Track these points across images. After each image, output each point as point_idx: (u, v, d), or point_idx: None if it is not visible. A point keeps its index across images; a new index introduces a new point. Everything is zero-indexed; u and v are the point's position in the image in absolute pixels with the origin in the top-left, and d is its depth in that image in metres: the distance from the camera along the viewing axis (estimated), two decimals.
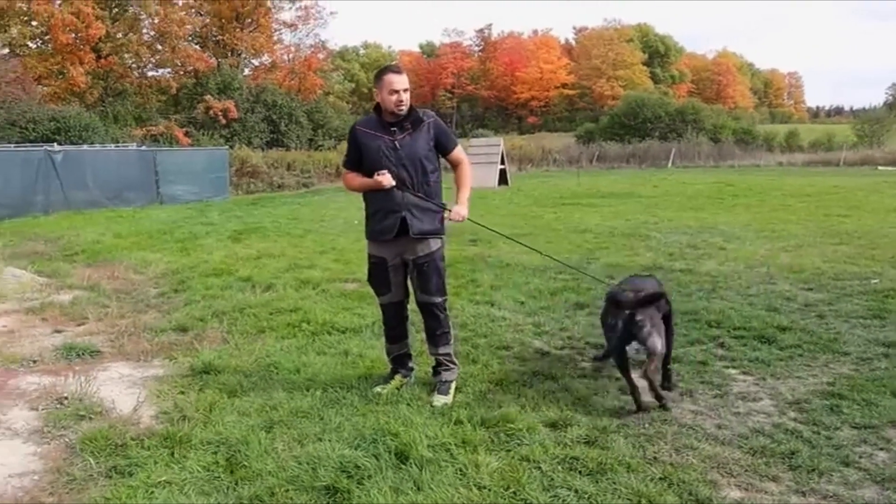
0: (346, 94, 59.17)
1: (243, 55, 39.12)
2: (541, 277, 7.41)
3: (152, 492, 3.01)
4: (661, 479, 2.99)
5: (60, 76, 28.96)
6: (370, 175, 3.95)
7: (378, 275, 4.12)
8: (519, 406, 3.77)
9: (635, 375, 3.91)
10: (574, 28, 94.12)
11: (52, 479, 3.22)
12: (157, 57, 33.29)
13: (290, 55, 41.92)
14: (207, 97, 31.73)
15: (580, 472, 3.05)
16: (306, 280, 7.52)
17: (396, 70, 3.98)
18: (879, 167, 33.73)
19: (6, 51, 28.05)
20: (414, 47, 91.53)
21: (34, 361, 5.10)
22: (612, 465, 3.07)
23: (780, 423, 3.55)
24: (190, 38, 36.01)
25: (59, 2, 28.71)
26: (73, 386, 4.38)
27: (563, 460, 3.13)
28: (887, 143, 44.06)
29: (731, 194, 18.42)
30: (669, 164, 39.27)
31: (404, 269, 4.10)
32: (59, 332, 5.98)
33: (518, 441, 3.33)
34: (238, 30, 37.34)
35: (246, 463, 3.19)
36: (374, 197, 4.02)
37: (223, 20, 36.70)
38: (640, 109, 46.63)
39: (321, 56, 43.76)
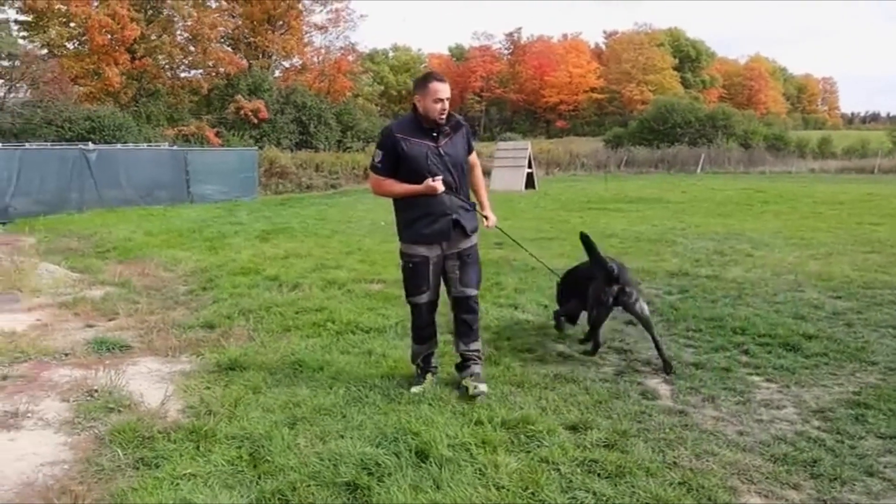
0: (374, 96, 59.53)
1: (274, 57, 39.56)
2: None
3: (178, 484, 3.08)
4: (680, 483, 2.98)
5: (96, 76, 29.55)
6: (410, 180, 4.01)
7: (420, 273, 4.14)
8: (539, 408, 3.79)
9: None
10: (604, 32, 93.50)
11: (82, 468, 3.31)
12: (190, 58, 33.80)
13: (320, 57, 42.29)
14: (238, 97, 32.13)
15: (599, 474, 3.05)
16: (332, 280, 7.59)
17: (441, 79, 4.03)
18: None
19: (45, 51, 28.72)
20: (443, 50, 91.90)
21: (66, 354, 5.22)
22: (631, 469, 3.07)
23: (804, 431, 3.52)
24: (222, 40, 36.52)
25: (96, 3, 29.33)
26: (104, 379, 4.50)
27: (582, 463, 3.14)
28: None
29: (760, 201, 18.17)
30: (699, 170, 38.81)
31: (442, 267, 4.17)
32: (90, 326, 6.13)
33: (538, 443, 3.35)
34: (269, 32, 37.78)
35: (269, 458, 3.25)
36: (420, 201, 4.05)
37: (255, 22, 37.17)
38: (670, 114, 46.10)
39: (351, 58, 44.08)
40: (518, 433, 3.45)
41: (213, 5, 35.92)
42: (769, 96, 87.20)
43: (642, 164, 41.15)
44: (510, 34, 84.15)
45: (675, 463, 3.16)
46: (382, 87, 67.50)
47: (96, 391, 4.35)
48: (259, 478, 3.10)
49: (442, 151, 4.04)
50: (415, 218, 4.09)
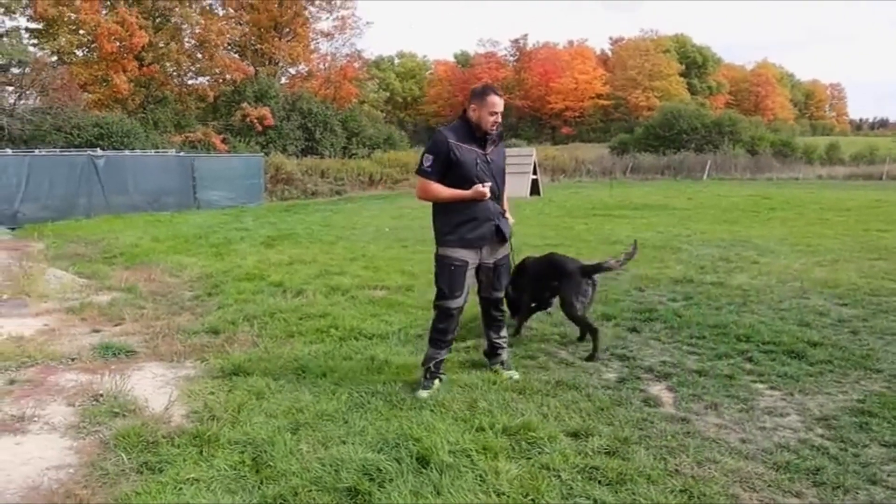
0: (380, 102, 59.65)
1: (280, 64, 39.75)
2: None
3: (180, 488, 3.10)
4: (681, 491, 2.98)
5: (104, 83, 29.76)
6: (458, 185, 4.18)
7: (458, 277, 4.26)
8: (541, 415, 3.79)
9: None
10: (610, 38, 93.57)
11: (86, 472, 3.33)
12: (197, 65, 34.00)
13: (326, 64, 42.47)
14: (244, 105, 32.29)
15: (600, 481, 3.05)
16: (336, 286, 7.61)
17: (499, 94, 4.25)
18: None
19: (54, 58, 28.93)
20: (449, 57, 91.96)
21: (72, 359, 5.25)
22: (632, 476, 3.07)
23: (807, 439, 3.51)
24: (229, 47, 36.73)
25: (105, 11, 29.55)
26: (109, 384, 4.52)
27: (583, 469, 3.14)
28: None
29: (767, 207, 18.14)
30: (705, 177, 38.79)
31: (476, 272, 4.37)
32: (97, 331, 6.16)
33: (539, 449, 3.35)
34: (276, 39, 37.99)
35: (271, 463, 3.27)
36: (468, 206, 4.21)
37: (262, 29, 37.39)
38: (676, 121, 46.13)
39: (357, 65, 44.24)
40: (519, 440, 3.45)
41: (221, 13, 36.15)
42: (776, 102, 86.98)
43: (648, 171, 41.16)
44: (516, 41, 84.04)
45: (676, 470, 3.16)
46: (388, 94, 67.63)
47: (102, 396, 4.38)
48: (261, 483, 3.12)
49: (489, 158, 4.26)
50: (459, 222, 4.22)
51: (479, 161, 4.20)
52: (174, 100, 32.62)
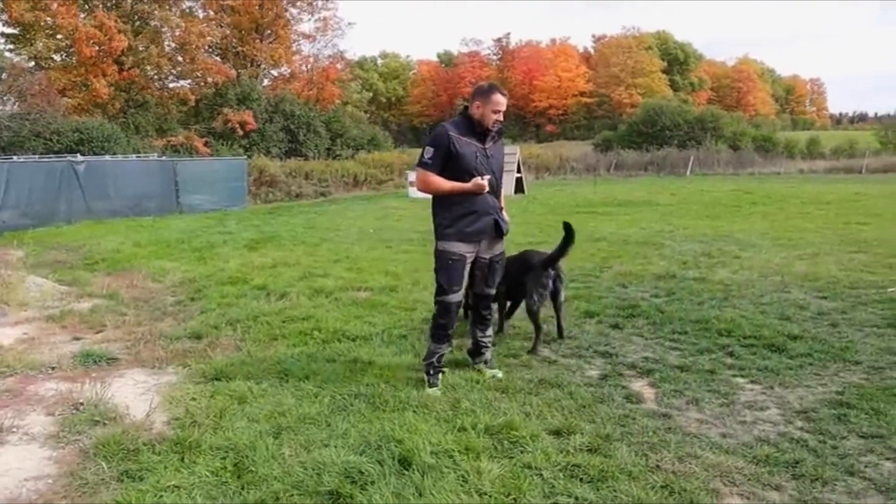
0: (363, 103, 59.51)
1: (262, 66, 39.54)
2: None
3: (161, 496, 3.07)
4: (662, 487, 2.99)
5: (84, 88, 29.43)
6: (457, 178, 4.23)
7: (457, 271, 4.31)
8: (524, 414, 3.79)
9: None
10: (593, 36, 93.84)
11: (66, 482, 3.29)
12: (178, 68, 33.73)
13: (309, 66, 42.29)
14: (226, 110, 32.08)
15: (581, 479, 3.06)
16: (319, 289, 7.58)
17: (504, 93, 4.34)
18: None
19: (31, 64, 28.58)
20: (432, 56, 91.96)
21: (52, 368, 5.20)
22: (613, 473, 3.07)
23: (786, 433, 3.54)
24: (210, 50, 36.48)
25: (83, 15, 29.23)
26: (89, 392, 4.48)
27: (565, 468, 3.15)
28: None
29: (748, 202, 18.29)
30: (688, 172, 39.02)
31: (471, 267, 4.40)
32: (77, 339, 6.10)
33: (521, 448, 3.35)
34: (257, 41, 37.78)
35: (253, 468, 3.25)
36: (468, 200, 4.27)
37: (242, 31, 37.16)
38: (659, 117, 46.35)
39: (339, 66, 44.09)
40: (501, 439, 3.45)
41: (201, 15, 35.89)
42: (758, 98, 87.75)
43: (632, 168, 41.34)
44: (499, 39, 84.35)
45: (657, 466, 3.17)
46: (371, 95, 67.51)
47: (82, 404, 4.34)
48: (242, 488, 3.10)
49: (488, 153, 4.34)
50: (459, 216, 4.28)
51: (478, 154, 4.27)
52: (155, 104, 32.30)
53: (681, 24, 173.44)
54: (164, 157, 22.68)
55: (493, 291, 4.61)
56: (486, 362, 4.64)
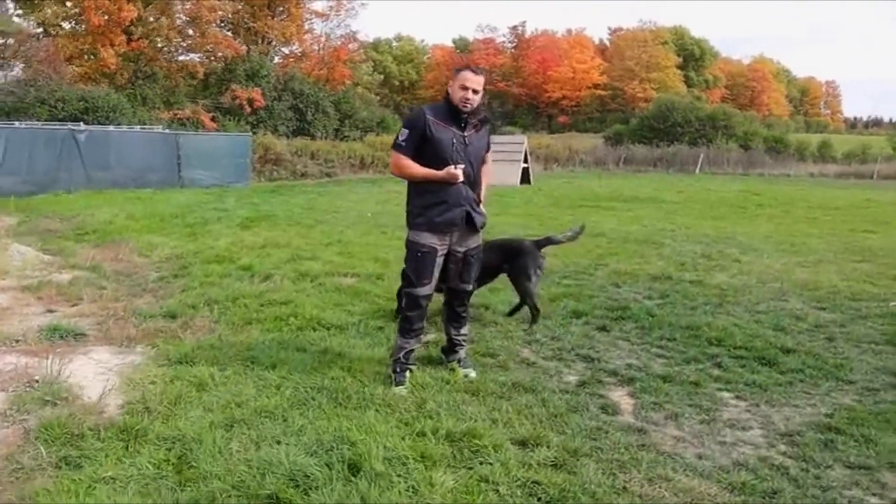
0: (374, 85, 59.04)
1: (273, 43, 39.15)
2: (543, 281, 7.14)
3: (94, 487, 2.89)
4: None
5: (91, 57, 29.18)
6: (432, 164, 4.00)
7: (427, 264, 4.10)
8: (490, 420, 3.56)
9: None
10: (609, 28, 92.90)
11: (1, 466, 3.11)
12: (188, 41, 33.40)
13: (320, 45, 41.89)
14: (234, 86, 31.78)
15: (540, 498, 2.83)
16: (305, 272, 7.39)
17: (475, 70, 4.08)
18: None
19: (39, 30, 28.33)
20: (447, 42, 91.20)
21: (17, 341, 5.04)
22: (575, 493, 2.84)
23: (767, 457, 3.28)
24: (222, 24, 36.12)
25: None
26: (46, 369, 4.29)
27: (524, 484, 2.92)
28: None
29: (755, 203, 17.97)
30: (697, 170, 38.60)
31: (445, 260, 4.17)
32: (50, 311, 5.93)
33: (481, 459, 3.12)
34: (269, 17, 37.35)
35: (195, 464, 3.05)
36: (438, 189, 4.04)
37: (255, 7, 36.71)
38: (671, 113, 45.78)
39: (351, 47, 43.65)
40: (462, 447, 3.22)
41: None
42: (772, 98, 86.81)
43: (641, 163, 40.93)
44: (514, 27, 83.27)
45: (624, 488, 2.93)
46: (382, 77, 66.94)
47: (37, 381, 4.16)
48: (180, 485, 2.90)
49: (467, 141, 4.08)
50: (429, 204, 4.06)
51: (455, 141, 4.03)
52: (164, 76, 31.99)
53: (698, 20, 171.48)
54: (167, 131, 22.45)
55: (469, 287, 4.38)
56: (459, 361, 4.42)
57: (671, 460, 3.21)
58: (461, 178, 3.99)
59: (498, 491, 2.85)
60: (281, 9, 37.97)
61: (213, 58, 34.20)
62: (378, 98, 56.83)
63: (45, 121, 20.74)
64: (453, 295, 4.38)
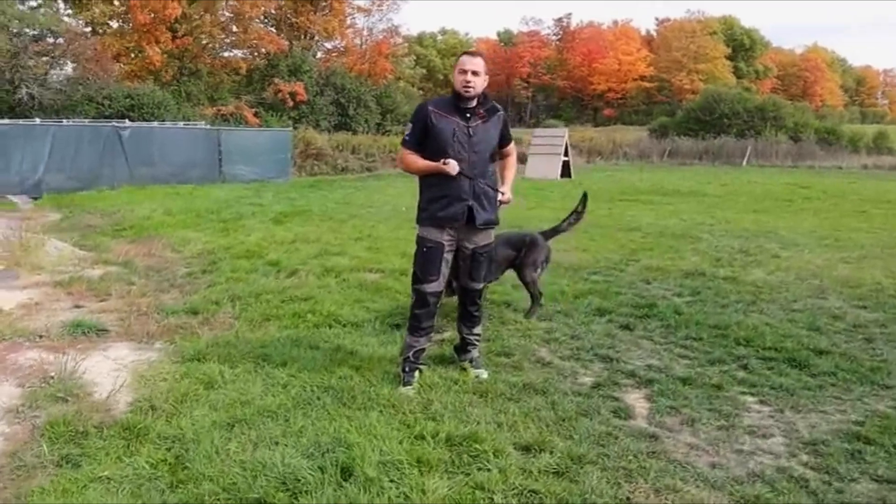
0: (417, 79, 59.04)
1: (316, 38, 39.43)
2: (570, 278, 7.01)
3: (87, 487, 2.87)
4: None
5: (138, 54, 29.82)
6: (433, 157, 3.91)
7: (432, 260, 4.01)
8: (496, 423, 3.42)
9: None
10: (656, 19, 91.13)
11: (5, 463, 3.13)
12: (231, 38, 33.85)
13: (362, 39, 42.03)
14: (277, 80, 32.10)
15: None
16: (331, 268, 7.36)
17: (472, 53, 3.99)
18: None
19: (88, 29, 29.05)
20: (492, 34, 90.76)
21: (40, 336, 5.10)
22: None
23: (786, 468, 3.06)
24: (265, 20, 36.52)
25: None
26: (62, 365, 4.32)
27: (521, 493, 2.78)
28: None
29: (802, 197, 17.32)
30: (744, 163, 37.51)
31: (455, 257, 4.08)
32: (78, 307, 6.01)
33: (479, 465, 2.99)
34: (312, 13, 37.61)
35: (189, 464, 3.01)
36: (440, 182, 3.94)
37: (297, 3, 37.03)
38: (718, 104, 44.54)
39: (394, 41, 43.70)
40: (461, 452, 3.10)
41: None
42: (825, 88, 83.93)
43: (686, 156, 39.94)
44: (559, 20, 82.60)
45: (628, 499, 2.77)
46: (425, 71, 66.92)
47: (52, 377, 4.19)
48: (171, 486, 2.86)
49: (471, 132, 3.92)
50: (432, 199, 3.99)
51: (457, 132, 3.89)
52: (208, 72, 32.51)
53: (748, 10, 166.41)
54: (209, 127, 22.79)
55: (479, 286, 4.24)
56: (471, 361, 4.31)
57: (682, 469, 3.03)
58: (453, 172, 3.84)
59: (493, 500, 2.72)
60: (323, 4, 38.19)
61: (256, 54, 34.61)
62: (421, 92, 56.71)
63: (93, 118, 21.25)
64: (464, 293, 4.28)
